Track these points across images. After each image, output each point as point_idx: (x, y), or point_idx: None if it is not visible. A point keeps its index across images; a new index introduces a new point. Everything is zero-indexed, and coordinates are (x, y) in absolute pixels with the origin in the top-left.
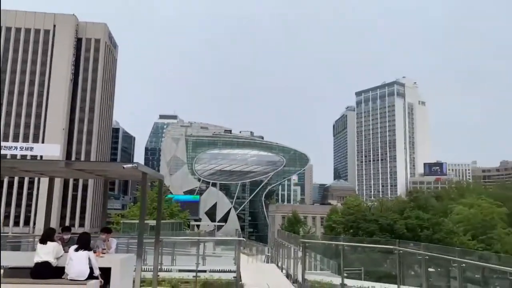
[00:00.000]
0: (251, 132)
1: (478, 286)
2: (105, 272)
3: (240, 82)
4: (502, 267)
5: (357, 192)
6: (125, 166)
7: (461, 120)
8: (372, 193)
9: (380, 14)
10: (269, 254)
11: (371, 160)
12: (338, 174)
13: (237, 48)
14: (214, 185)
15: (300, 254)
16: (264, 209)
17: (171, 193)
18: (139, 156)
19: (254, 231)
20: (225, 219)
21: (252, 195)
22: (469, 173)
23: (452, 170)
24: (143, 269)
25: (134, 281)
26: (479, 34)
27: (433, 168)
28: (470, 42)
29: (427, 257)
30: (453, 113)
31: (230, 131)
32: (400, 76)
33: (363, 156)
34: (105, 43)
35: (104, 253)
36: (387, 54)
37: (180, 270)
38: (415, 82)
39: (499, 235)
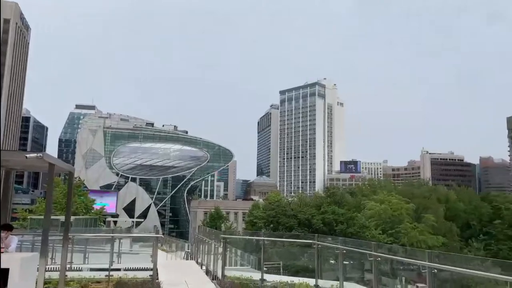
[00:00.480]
0: (174, 126)
1: (387, 277)
2: (3, 274)
3: (165, 76)
4: (414, 260)
5: (278, 188)
6: (28, 155)
7: (375, 122)
8: (293, 189)
9: (306, 14)
10: (189, 250)
11: (293, 157)
12: (261, 170)
13: (165, 40)
14: (133, 180)
15: (220, 250)
16: (186, 205)
17: (85, 187)
18: (52, 148)
19: (175, 227)
20: (144, 215)
21: (174, 190)
22: (380, 171)
23: (366, 168)
24: (50, 269)
25: (37, 282)
26: (390, 42)
27: (349, 166)
28: (382, 47)
29: (344, 251)
30: (368, 115)
31: (152, 124)
32: (322, 77)
33: (285, 153)
34: (16, 24)
35: (2, 252)
36: (312, 54)
37: (91, 269)
38: (335, 84)
39: (406, 229)
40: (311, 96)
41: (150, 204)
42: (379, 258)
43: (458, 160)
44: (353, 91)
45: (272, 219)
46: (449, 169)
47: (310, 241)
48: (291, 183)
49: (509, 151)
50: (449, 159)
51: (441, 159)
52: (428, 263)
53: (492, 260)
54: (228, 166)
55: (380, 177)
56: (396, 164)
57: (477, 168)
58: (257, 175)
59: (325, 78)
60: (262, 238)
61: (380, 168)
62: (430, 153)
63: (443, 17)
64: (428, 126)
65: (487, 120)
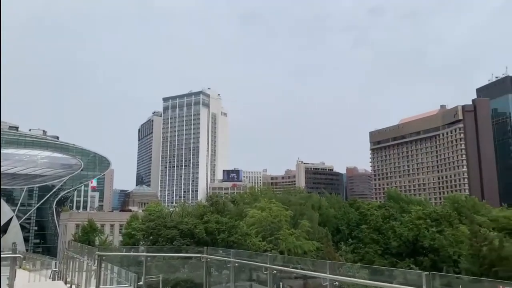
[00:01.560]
0: (43, 131)
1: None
2: None
3: (33, 75)
4: (315, 273)
5: (159, 198)
6: None
7: (256, 132)
8: (174, 198)
9: (192, 27)
10: (57, 269)
11: (175, 166)
12: (141, 179)
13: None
14: None
15: (94, 267)
16: (55, 217)
17: None
18: None
19: (42, 242)
20: (4, 229)
21: (41, 202)
22: (260, 179)
23: (247, 177)
24: None
25: None
26: (275, 54)
27: (231, 175)
28: (266, 61)
29: (237, 264)
30: (250, 125)
31: (17, 128)
32: (206, 87)
33: (168, 161)
34: None
35: None
36: (196, 65)
37: None
38: (219, 94)
39: (284, 235)
40: (195, 105)
41: (12, 217)
42: (275, 271)
43: (328, 169)
44: (237, 102)
45: (152, 230)
46: (321, 178)
47: (199, 254)
48: (173, 192)
49: (370, 162)
50: (321, 169)
51: (314, 168)
52: (330, 276)
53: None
54: (104, 175)
55: (260, 185)
56: (275, 173)
57: (344, 177)
58: (137, 185)
59: (209, 88)
60: (145, 254)
61: (260, 177)
62: (304, 163)
63: (316, 36)
64: (304, 136)
65: (356, 132)
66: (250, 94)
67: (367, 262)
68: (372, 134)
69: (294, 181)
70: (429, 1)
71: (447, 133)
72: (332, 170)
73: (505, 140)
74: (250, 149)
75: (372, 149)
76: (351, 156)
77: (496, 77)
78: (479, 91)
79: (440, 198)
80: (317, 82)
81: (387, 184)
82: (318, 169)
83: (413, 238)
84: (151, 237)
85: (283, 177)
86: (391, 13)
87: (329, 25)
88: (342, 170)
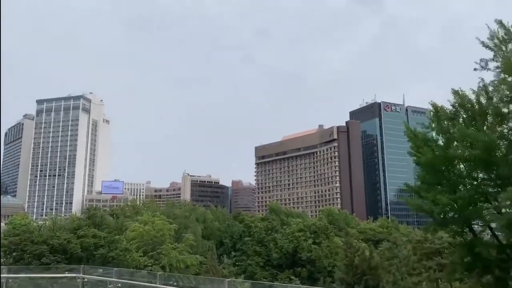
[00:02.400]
0: None
1: None
2: None
3: None
4: None
5: (27, 210)
6: None
7: (141, 141)
8: (45, 211)
9: (73, 31)
10: None
11: (47, 175)
12: (6, 189)
13: None
14: None
15: None
16: None
17: None
18: None
19: None
20: None
21: None
22: (143, 192)
23: (129, 189)
24: None
25: None
26: (163, 66)
27: (111, 186)
28: (155, 70)
29: (119, 284)
30: (134, 134)
31: None
32: (88, 91)
33: (39, 170)
34: None
35: None
36: (80, 70)
37: None
38: (101, 100)
39: (167, 250)
40: (74, 110)
41: None
42: None
43: (214, 182)
44: (122, 110)
45: (16, 246)
46: (207, 191)
47: (74, 274)
48: (44, 204)
49: (255, 176)
50: (207, 181)
51: (200, 181)
52: None
53: None
54: None
55: (143, 197)
56: (160, 185)
57: (229, 190)
58: (1, 195)
59: (91, 93)
60: (7, 275)
61: (143, 189)
62: (190, 175)
63: (204, 51)
64: (192, 149)
65: (244, 147)
66: (137, 103)
67: (250, 275)
68: (257, 149)
69: (180, 194)
70: (309, 28)
71: (323, 151)
72: (218, 183)
73: (372, 160)
74: (134, 160)
75: (257, 163)
76: (238, 170)
77: (366, 102)
78: (352, 114)
79: (316, 211)
80: (206, 95)
81: (269, 198)
82: (204, 182)
83: (293, 250)
84: (14, 254)
85: (167, 190)
86: (275, 37)
87: (218, 42)
88: (229, 184)
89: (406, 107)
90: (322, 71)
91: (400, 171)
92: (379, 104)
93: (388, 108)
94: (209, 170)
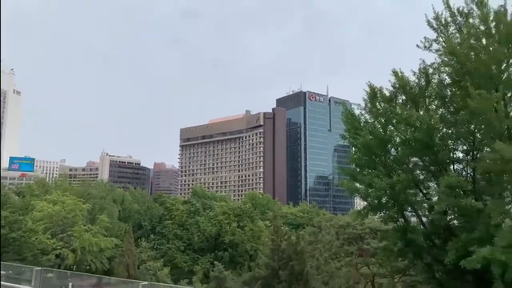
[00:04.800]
0: None
1: None
2: None
3: None
4: None
5: None
6: None
7: (58, 119)
8: None
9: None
10: None
11: None
12: None
13: None
14: None
15: None
16: None
17: None
18: None
19: None
20: None
21: None
22: (57, 170)
23: (41, 166)
24: None
25: None
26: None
27: (20, 163)
28: (75, 45)
29: None
30: (51, 110)
31: None
32: None
33: None
34: None
35: None
36: None
37: None
38: (12, 69)
39: (79, 232)
40: None
41: None
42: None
43: (135, 163)
44: (37, 84)
45: None
46: (127, 172)
47: None
48: None
49: (179, 158)
50: (128, 162)
51: (120, 161)
52: None
53: None
54: None
55: (56, 176)
56: (75, 165)
57: (151, 172)
58: None
59: None
60: None
61: (57, 168)
62: (110, 155)
63: (134, 30)
64: (111, 130)
65: (168, 129)
66: (52, 77)
67: (169, 259)
68: (182, 131)
69: (97, 174)
70: (239, 14)
71: (249, 136)
72: (139, 164)
73: (295, 147)
74: (48, 137)
75: (181, 146)
76: (162, 152)
77: (293, 91)
78: (279, 101)
79: (239, 195)
80: (131, 75)
81: (193, 181)
82: (125, 162)
83: (216, 234)
84: None
85: (84, 169)
86: (204, 20)
87: (148, 24)
88: (151, 165)
89: (330, 97)
90: (251, 58)
91: (320, 159)
92: (305, 93)
93: (312, 97)
94: (132, 151)
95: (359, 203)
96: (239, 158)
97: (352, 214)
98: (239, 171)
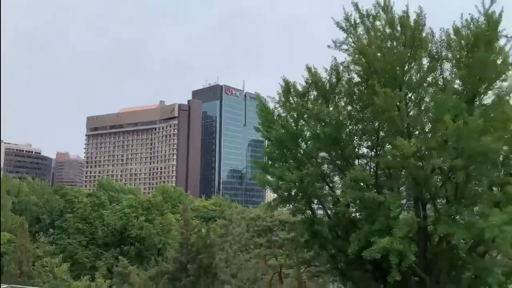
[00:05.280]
0: None
1: None
2: None
3: None
4: None
5: None
6: None
7: None
8: None
9: None
10: None
11: None
12: None
13: None
14: None
15: None
16: None
17: None
18: None
19: None
20: None
21: None
22: None
23: None
24: None
25: None
26: None
27: None
28: None
29: None
30: None
31: None
32: None
33: None
34: None
35: None
36: None
37: None
38: None
39: None
40: None
41: None
42: None
43: (35, 152)
44: None
45: None
46: (25, 161)
47: None
48: None
49: (85, 148)
50: (26, 151)
51: (17, 150)
52: None
53: None
54: None
55: None
56: None
57: (53, 162)
58: None
59: None
60: None
61: None
62: (6, 143)
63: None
64: (9, 114)
65: (76, 116)
66: None
67: (70, 254)
68: (89, 120)
69: None
70: (150, 7)
71: (163, 128)
72: (40, 153)
73: (210, 140)
74: None
75: (88, 135)
76: (67, 141)
77: (209, 84)
78: (195, 93)
79: (150, 188)
80: (33, 55)
81: (100, 172)
82: (23, 151)
83: (122, 227)
84: None
85: None
86: (121, 7)
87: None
88: (54, 155)
89: (245, 93)
90: (168, 49)
91: (234, 153)
92: (221, 86)
93: (229, 91)
94: (32, 139)
95: (271, 196)
96: (151, 150)
97: (263, 206)
98: (150, 163)
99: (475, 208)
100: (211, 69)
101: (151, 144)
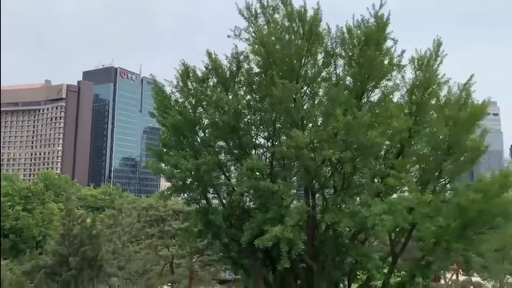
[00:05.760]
0: None
1: None
2: None
3: None
4: None
5: None
6: None
7: None
8: None
9: None
10: None
11: None
12: None
13: None
14: None
15: None
16: None
17: None
18: None
19: None
20: None
21: None
22: None
23: None
24: None
25: None
26: None
27: None
28: None
29: None
30: None
31: None
32: None
33: None
34: None
35: None
36: None
37: None
38: None
39: None
40: None
41: None
42: None
43: None
44: None
45: None
46: None
47: None
48: None
49: None
50: None
51: None
52: None
53: None
54: None
55: None
56: None
57: None
58: None
59: None
60: None
61: None
62: None
63: None
64: None
65: None
66: None
67: None
68: None
69: None
70: None
71: (48, 109)
72: None
73: (101, 125)
74: None
75: None
76: None
77: (103, 65)
78: (86, 74)
79: (32, 175)
80: None
81: None
82: None
83: None
84: None
85: None
86: None
87: None
88: None
89: (142, 77)
90: (61, 25)
91: (128, 139)
92: (116, 69)
93: (124, 74)
94: None
95: (166, 185)
96: (33, 133)
97: (156, 195)
98: (32, 148)
99: (359, 198)
100: (106, 51)
101: (34, 127)
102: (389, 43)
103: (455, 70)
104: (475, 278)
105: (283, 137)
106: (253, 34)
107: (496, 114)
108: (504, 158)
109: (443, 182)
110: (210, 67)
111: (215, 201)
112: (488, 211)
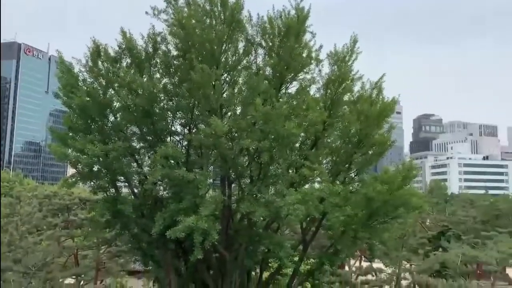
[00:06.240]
0: None
1: None
2: None
3: None
4: None
5: None
6: None
7: None
8: None
9: None
10: None
11: None
12: None
13: None
14: None
15: None
16: None
17: None
18: None
19: None
20: None
21: None
22: None
23: None
24: None
25: None
26: None
27: None
28: None
29: None
30: None
31: None
32: None
33: None
34: None
35: None
36: None
37: None
38: None
39: None
40: None
41: None
42: None
43: None
44: None
45: None
46: None
47: None
48: None
49: None
50: None
51: None
52: None
53: None
54: None
55: None
56: None
57: None
58: None
59: None
60: None
61: None
62: None
63: None
64: None
65: None
66: None
67: None
68: None
69: None
70: None
71: None
72: None
73: (2, 106)
74: None
75: None
76: None
77: (5, 40)
78: None
79: None
80: None
81: None
82: None
83: None
84: None
85: None
86: None
87: None
88: None
89: (50, 56)
90: None
91: (32, 122)
92: (20, 44)
93: (29, 52)
94: None
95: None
96: None
97: (60, 183)
98: None
99: (274, 188)
100: (8, 24)
101: None
102: (308, 36)
103: (368, 67)
104: (377, 265)
105: (201, 125)
106: (172, 15)
107: (399, 113)
108: (404, 153)
109: (352, 173)
110: (124, 46)
111: (126, 190)
112: (392, 202)
